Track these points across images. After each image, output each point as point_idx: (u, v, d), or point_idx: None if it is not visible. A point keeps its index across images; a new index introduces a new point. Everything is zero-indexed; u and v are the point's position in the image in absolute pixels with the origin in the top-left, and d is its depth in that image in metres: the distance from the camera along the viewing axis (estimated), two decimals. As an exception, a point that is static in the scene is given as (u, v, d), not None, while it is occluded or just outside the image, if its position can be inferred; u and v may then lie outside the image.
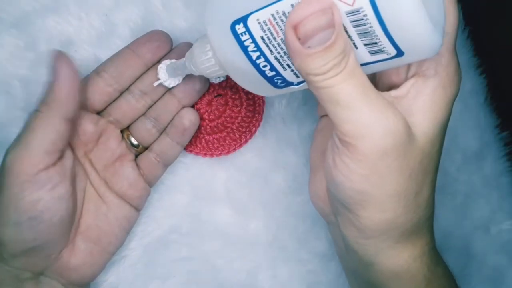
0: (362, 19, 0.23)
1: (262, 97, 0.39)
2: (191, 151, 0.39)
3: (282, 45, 0.26)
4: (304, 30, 0.24)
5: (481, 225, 0.41)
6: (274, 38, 0.26)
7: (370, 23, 0.23)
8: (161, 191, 0.40)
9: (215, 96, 0.39)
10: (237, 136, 0.39)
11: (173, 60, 0.35)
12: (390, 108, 0.26)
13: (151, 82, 0.36)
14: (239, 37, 0.27)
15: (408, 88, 0.28)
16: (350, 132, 0.25)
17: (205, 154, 0.39)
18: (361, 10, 0.23)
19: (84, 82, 0.35)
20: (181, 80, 0.36)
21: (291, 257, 0.41)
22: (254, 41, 0.27)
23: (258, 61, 0.28)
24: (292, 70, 0.28)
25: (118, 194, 0.36)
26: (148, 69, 0.36)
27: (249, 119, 0.39)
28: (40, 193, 0.31)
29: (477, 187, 0.41)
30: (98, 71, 0.35)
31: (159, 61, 0.36)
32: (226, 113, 0.39)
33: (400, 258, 0.30)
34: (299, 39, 0.24)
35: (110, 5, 0.39)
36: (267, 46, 0.27)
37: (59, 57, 0.32)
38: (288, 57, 0.27)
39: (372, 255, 0.30)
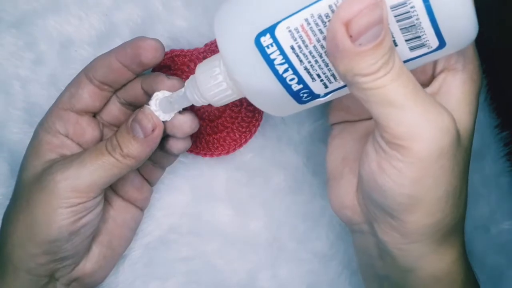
0: (409, 12, 0.23)
1: None
2: (191, 151, 0.39)
3: (314, 52, 0.25)
4: (358, 27, 0.22)
5: (481, 225, 0.41)
6: (306, 46, 0.25)
7: (417, 15, 0.23)
8: (161, 191, 0.40)
9: None
10: (237, 136, 0.39)
11: (168, 93, 0.32)
12: (441, 106, 0.25)
13: (136, 93, 0.35)
14: (264, 50, 0.25)
15: (440, 83, 0.27)
16: (404, 135, 0.24)
17: (205, 154, 0.39)
18: (408, 2, 0.23)
19: (77, 85, 0.34)
20: (172, 115, 0.33)
21: (291, 257, 0.41)
22: (282, 52, 0.25)
23: (285, 75, 0.26)
24: (321, 80, 0.26)
25: (124, 198, 0.37)
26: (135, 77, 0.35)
27: (249, 119, 0.39)
28: (82, 214, 0.32)
29: (477, 187, 0.41)
30: (89, 76, 0.34)
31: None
32: (226, 113, 0.39)
33: (443, 261, 0.28)
34: (350, 36, 0.23)
35: (110, 5, 0.39)
36: (297, 56, 0.25)
37: (147, 114, 0.32)
38: (319, 66, 0.26)
39: (414, 260, 0.28)
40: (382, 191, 0.26)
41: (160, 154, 0.36)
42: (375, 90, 0.24)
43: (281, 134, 0.41)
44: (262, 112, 0.39)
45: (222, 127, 0.39)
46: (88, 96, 0.34)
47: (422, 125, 0.24)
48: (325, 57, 0.25)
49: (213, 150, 0.39)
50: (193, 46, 0.39)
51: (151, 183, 0.38)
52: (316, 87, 0.27)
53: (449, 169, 0.25)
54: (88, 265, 0.35)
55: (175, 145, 0.35)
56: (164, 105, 0.32)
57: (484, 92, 0.42)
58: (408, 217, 0.26)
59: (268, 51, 0.25)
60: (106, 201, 0.36)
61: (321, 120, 0.40)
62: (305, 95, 0.27)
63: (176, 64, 0.38)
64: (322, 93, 0.27)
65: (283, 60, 0.25)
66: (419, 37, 0.24)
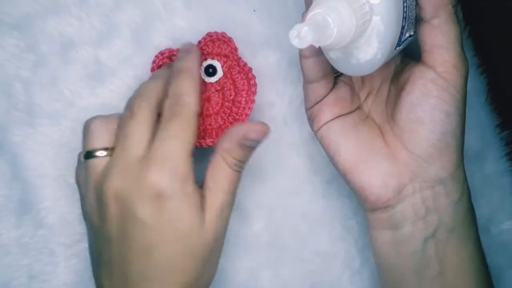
0: None
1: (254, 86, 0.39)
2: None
3: None
4: None
5: (481, 225, 0.41)
6: None
7: None
8: (162, 192, 0.40)
9: (213, 92, 0.39)
10: (221, 122, 0.38)
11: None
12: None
13: None
14: None
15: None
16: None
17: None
18: None
19: None
20: None
21: (293, 257, 0.41)
22: None
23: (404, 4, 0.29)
24: (407, 25, 0.30)
25: None
26: None
27: (242, 105, 0.38)
28: None
29: (478, 187, 0.41)
30: None
31: None
32: (213, 101, 0.38)
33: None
34: None
35: (110, 5, 0.39)
36: None
37: None
38: (411, 8, 0.30)
39: (463, 183, 0.34)
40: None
41: None
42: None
43: (282, 134, 0.41)
44: (253, 95, 0.38)
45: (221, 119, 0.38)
46: None
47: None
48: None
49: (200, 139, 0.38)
50: (193, 46, 0.39)
51: None
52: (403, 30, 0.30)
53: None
54: None
55: None
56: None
57: (484, 91, 0.42)
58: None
59: None
60: None
61: (322, 121, 0.40)
62: (403, 32, 0.30)
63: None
64: (401, 40, 0.30)
65: None
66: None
